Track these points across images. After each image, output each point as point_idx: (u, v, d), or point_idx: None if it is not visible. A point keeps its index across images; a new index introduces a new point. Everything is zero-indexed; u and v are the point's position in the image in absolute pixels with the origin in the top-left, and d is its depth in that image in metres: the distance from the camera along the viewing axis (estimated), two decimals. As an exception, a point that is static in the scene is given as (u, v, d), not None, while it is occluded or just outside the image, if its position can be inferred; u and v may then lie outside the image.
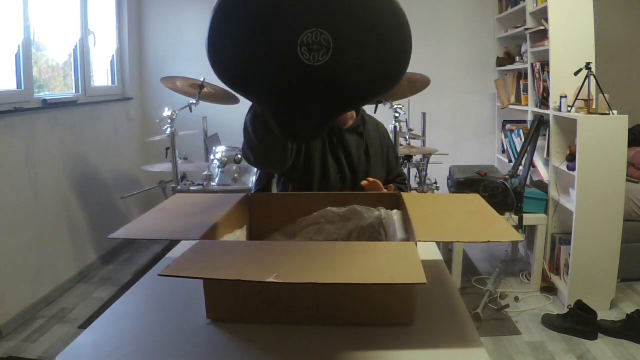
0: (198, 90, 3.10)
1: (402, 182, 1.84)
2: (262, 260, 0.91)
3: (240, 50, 0.92)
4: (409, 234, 1.12)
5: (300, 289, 0.93)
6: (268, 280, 0.79)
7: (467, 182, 3.25)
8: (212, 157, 3.18)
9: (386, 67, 0.94)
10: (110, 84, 4.07)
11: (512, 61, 4.03)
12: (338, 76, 0.91)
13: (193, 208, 1.28)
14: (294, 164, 1.57)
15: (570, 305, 2.74)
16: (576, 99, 2.90)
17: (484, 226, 1.09)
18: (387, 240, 1.24)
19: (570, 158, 2.99)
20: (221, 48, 0.93)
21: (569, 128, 3.07)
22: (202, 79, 3.11)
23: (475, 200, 1.29)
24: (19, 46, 2.87)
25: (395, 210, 1.27)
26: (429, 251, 1.34)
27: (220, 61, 0.94)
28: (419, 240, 0.98)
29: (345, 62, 0.90)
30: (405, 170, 3.25)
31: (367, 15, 0.91)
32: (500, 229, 1.06)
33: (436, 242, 1.34)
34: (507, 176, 3.16)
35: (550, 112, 3.14)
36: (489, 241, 0.98)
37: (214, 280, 0.91)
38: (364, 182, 1.56)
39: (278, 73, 0.92)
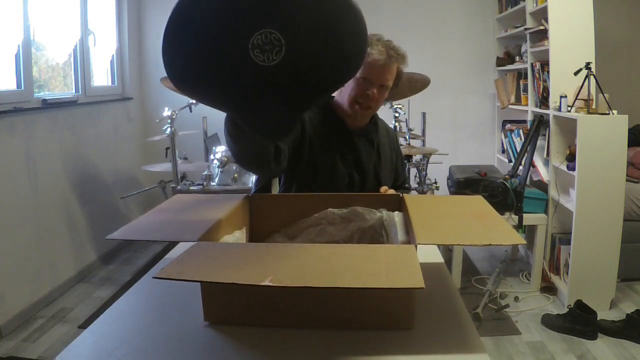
0: (198, 90, 3.09)
1: (407, 188, 1.84)
2: (258, 263, 0.91)
3: (195, 62, 0.93)
4: (410, 236, 1.11)
5: (298, 292, 0.92)
6: (263, 283, 0.79)
7: (467, 182, 3.25)
8: (212, 157, 3.17)
9: (343, 53, 0.93)
10: (110, 84, 4.07)
11: (512, 61, 4.03)
12: (295, 71, 0.91)
13: (193, 209, 1.27)
14: (296, 165, 1.55)
15: (570, 305, 2.74)
16: (576, 99, 2.90)
17: (486, 229, 1.07)
18: (388, 242, 1.23)
19: (570, 158, 2.99)
20: (175, 61, 0.94)
21: (569, 128, 3.07)
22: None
23: (478, 202, 1.28)
24: (19, 46, 2.87)
25: (396, 212, 1.26)
26: (430, 253, 1.33)
27: (176, 74, 0.95)
28: (419, 243, 0.97)
29: (300, 56, 0.90)
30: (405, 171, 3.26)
31: (314, 7, 0.90)
32: (502, 232, 1.05)
33: (437, 244, 1.33)
34: (507, 176, 3.16)
35: (550, 112, 3.14)
36: (490, 244, 0.96)
37: (211, 283, 0.90)
38: (383, 189, 1.54)
39: (236, 79, 0.92)
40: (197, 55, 0.92)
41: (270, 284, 0.79)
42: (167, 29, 0.93)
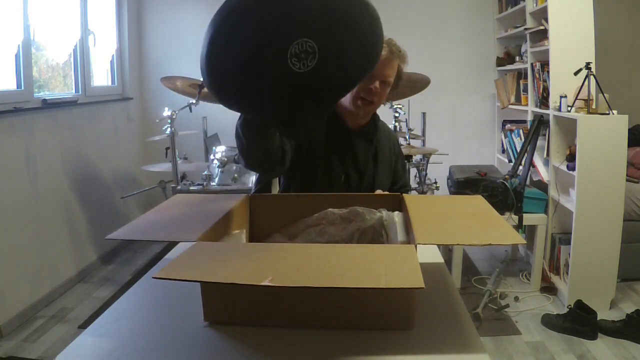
0: (198, 90, 3.10)
1: (407, 192, 1.83)
2: (258, 263, 0.90)
3: (241, 75, 1.00)
4: (410, 236, 1.11)
5: (298, 292, 0.92)
6: (262, 283, 0.79)
7: (467, 182, 3.25)
8: (212, 157, 3.17)
9: (362, 58, 1.06)
10: (110, 84, 4.07)
11: (512, 61, 4.03)
12: (326, 75, 1.02)
13: (193, 209, 1.27)
14: (295, 163, 1.56)
15: (570, 305, 2.74)
16: (576, 99, 2.90)
17: (486, 229, 1.07)
18: (388, 242, 1.23)
19: (570, 158, 2.99)
20: (221, 77, 1.03)
21: (569, 128, 3.07)
22: (202, 79, 3.10)
23: (478, 202, 1.28)
24: (19, 46, 2.87)
25: (396, 212, 1.26)
26: (430, 253, 1.33)
27: (223, 88, 1.04)
28: (419, 243, 0.97)
29: (330, 61, 1.00)
30: (405, 171, 3.25)
31: (343, 18, 1.01)
32: (502, 231, 1.05)
33: (437, 244, 1.33)
34: (507, 176, 3.16)
35: (550, 112, 3.14)
36: (490, 244, 0.96)
37: (210, 283, 0.90)
38: (377, 192, 1.56)
39: (277, 87, 1.02)
40: (242, 68, 1.00)
41: (270, 284, 0.79)
42: (211, 47, 1.00)
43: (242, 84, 1.02)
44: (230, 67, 1.00)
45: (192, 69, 4.01)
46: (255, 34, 0.97)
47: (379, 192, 1.58)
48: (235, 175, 3.05)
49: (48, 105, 3.06)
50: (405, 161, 2.08)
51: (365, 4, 1.04)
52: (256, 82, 1.01)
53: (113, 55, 4.06)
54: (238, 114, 1.16)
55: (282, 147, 1.37)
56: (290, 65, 0.98)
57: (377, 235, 1.25)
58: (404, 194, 1.35)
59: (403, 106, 3.07)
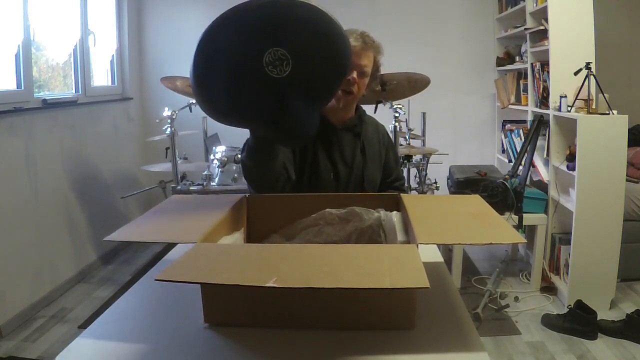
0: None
1: (401, 186, 1.83)
2: (260, 264, 0.90)
3: (227, 91, 1.13)
4: (409, 236, 1.11)
5: (299, 293, 0.91)
6: (267, 285, 0.78)
7: (467, 182, 3.25)
8: (212, 157, 3.17)
9: (334, 62, 1.19)
10: (110, 84, 4.07)
11: (512, 61, 4.03)
12: (303, 78, 1.13)
13: (190, 210, 1.27)
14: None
15: (570, 305, 2.74)
16: (576, 99, 2.90)
17: (486, 228, 1.07)
18: (386, 242, 1.22)
19: (570, 158, 2.99)
20: (209, 96, 1.15)
21: (569, 128, 3.07)
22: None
23: (476, 202, 1.28)
24: (19, 46, 2.87)
25: (395, 212, 1.26)
26: (430, 253, 1.33)
27: (212, 106, 1.16)
28: (420, 243, 0.97)
29: (304, 65, 1.12)
30: (405, 170, 3.25)
31: (309, 26, 1.15)
32: (502, 230, 1.05)
33: (438, 244, 1.33)
34: (507, 176, 3.16)
35: (550, 112, 3.14)
36: (490, 243, 0.96)
37: (211, 284, 0.90)
38: None
39: (262, 95, 1.13)
40: (227, 84, 1.12)
41: (274, 285, 0.78)
42: (196, 70, 1.12)
43: (231, 99, 1.13)
44: (219, 84, 1.12)
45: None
46: (234, 48, 1.10)
47: None
48: (235, 175, 3.05)
49: (48, 105, 3.06)
50: (399, 154, 2.08)
51: (323, 13, 1.18)
52: (244, 94, 1.12)
53: (113, 55, 4.06)
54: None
55: (283, 164, 1.48)
56: (268, 72, 1.09)
57: (375, 235, 1.25)
58: (401, 194, 1.35)
59: (403, 106, 3.07)
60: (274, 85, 1.11)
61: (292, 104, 1.14)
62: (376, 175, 1.74)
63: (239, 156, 3.05)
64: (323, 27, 1.17)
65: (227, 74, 1.11)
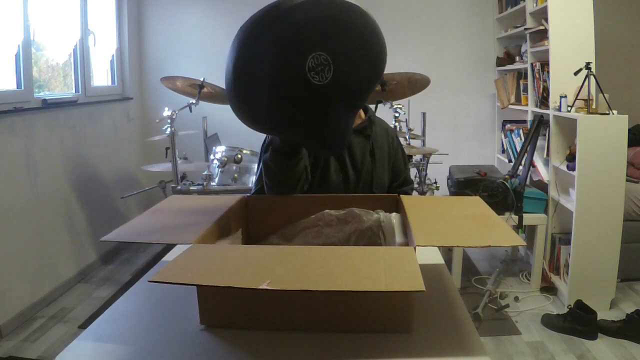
0: (198, 90, 3.10)
1: (409, 190, 1.82)
2: (256, 265, 0.89)
3: (273, 107, 1.09)
4: (408, 238, 1.10)
5: (295, 295, 0.91)
6: (260, 287, 0.78)
7: (467, 182, 3.25)
8: (212, 157, 3.17)
9: (371, 67, 1.14)
10: (110, 84, 4.07)
11: (512, 61, 4.03)
12: (343, 84, 1.08)
13: (188, 210, 1.26)
14: None
15: (570, 305, 2.74)
16: (576, 99, 2.89)
17: (485, 230, 1.06)
18: (385, 244, 1.22)
19: (570, 158, 2.99)
20: (255, 114, 1.11)
21: (569, 128, 3.07)
22: (202, 79, 3.11)
23: (476, 203, 1.27)
24: (19, 46, 2.87)
25: (394, 214, 1.25)
26: (430, 254, 1.32)
27: (260, 122, 1.13)
28: (418, 245, 0.96)
29: (344, 71, 1.07)
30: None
31: (351, 32, 1.09)
32: (501, 233, 1.04)
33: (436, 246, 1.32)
34: (507, 176, 3.16)
35: (550, 112, 3.14)
36: (490, 246, 0.95)
37: (207, 286, 0.89)
38: None
39: (306, 104, 1.09)
40: (268, 94, 1.07)
41: (267, 287, 0.78)
42: (235, 91, 1.08)
43: (273, 109, 1.08)
44: (256, 92, 1.06)
45: (192, 69, 4.02)
46: (273, 52, 1.04)
47: None
48: (235, 175, 3.05)
49: (48, 105, 3.06)
50: (407, 156, 2.07)
51: (365, 14, 1.12)
52: (289, 106, 1.08)
53: (113, 55, 4.06)
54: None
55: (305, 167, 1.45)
56: (310, 79, 1.04)
57: (374, 236, 1.25)
58: (400, 195, 1.34)
59: (403, 106, 3.07)
60: (316, 92, 1.05)
61: (333, 112, 1.10)
62: (385, 179, 1.73)
63: (239, 156, 3.07)
64: (363, 27, 1.10)
65: (268, 82, 1.05)
